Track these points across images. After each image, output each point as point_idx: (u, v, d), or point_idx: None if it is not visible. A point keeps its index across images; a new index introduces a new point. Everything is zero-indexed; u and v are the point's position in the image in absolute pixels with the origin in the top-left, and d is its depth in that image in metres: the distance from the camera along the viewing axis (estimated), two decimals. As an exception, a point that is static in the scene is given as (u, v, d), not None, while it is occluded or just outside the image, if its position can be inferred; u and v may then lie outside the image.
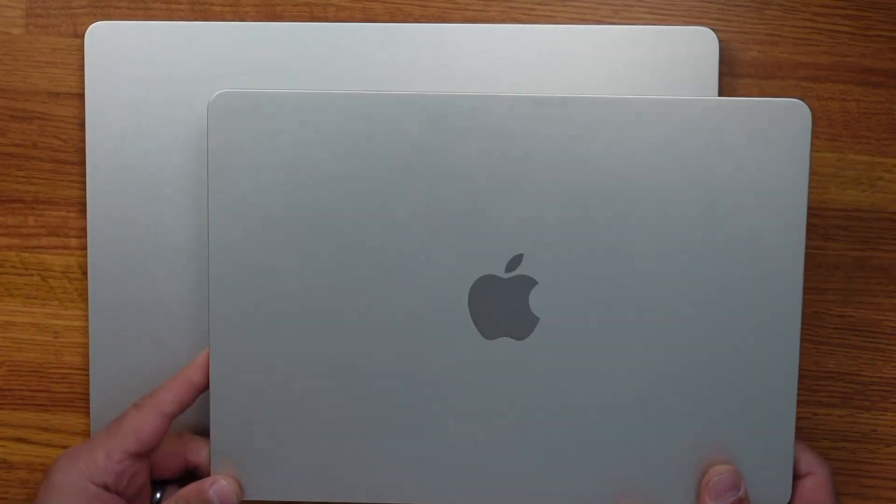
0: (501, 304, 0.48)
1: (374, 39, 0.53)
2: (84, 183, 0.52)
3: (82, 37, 0.52)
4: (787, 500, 0.49)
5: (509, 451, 0.49)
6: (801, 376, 0.55)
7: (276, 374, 0.49)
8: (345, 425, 0.49)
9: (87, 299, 0.53)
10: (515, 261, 0.48)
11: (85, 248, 0.53)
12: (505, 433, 0.49)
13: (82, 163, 0.53)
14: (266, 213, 0.48)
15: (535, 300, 0.48)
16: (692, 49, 0.52)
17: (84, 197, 0.53)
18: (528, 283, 0.48)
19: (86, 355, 0.54)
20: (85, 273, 0.54)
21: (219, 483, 0.48)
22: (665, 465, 0.49)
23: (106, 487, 0.47)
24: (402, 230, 0.48)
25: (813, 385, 0.55)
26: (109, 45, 0.52)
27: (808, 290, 0.55)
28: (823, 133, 0.55)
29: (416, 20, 0.54)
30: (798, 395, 0.54)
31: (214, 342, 0.48)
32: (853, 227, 0.54)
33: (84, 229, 0.53)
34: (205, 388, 0.49)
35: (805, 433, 0.54)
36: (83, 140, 0.52)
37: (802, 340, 0.55)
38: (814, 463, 0.49)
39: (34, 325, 0.54)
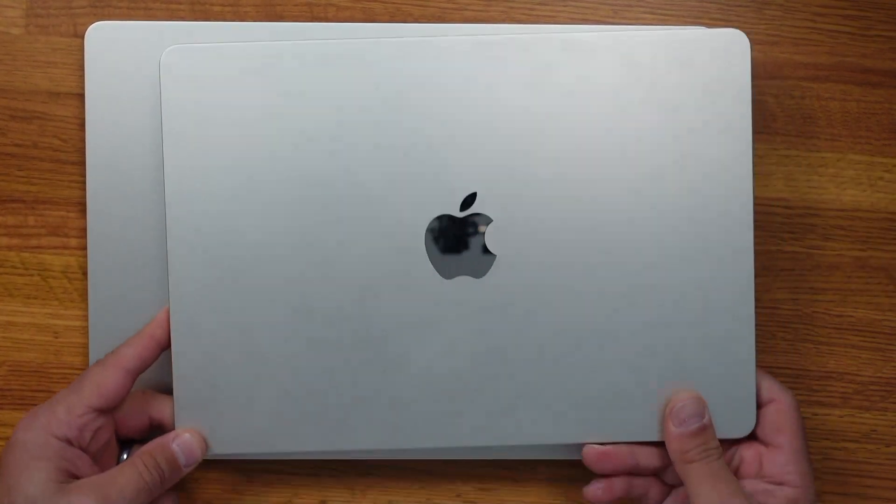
0: (458, 244, 0.49)
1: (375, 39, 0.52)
2: (84, 183, 0.52)
3: (82, 37, 0.52)
4: (752, 428, 0.50)
5: (472, 391, 0.49)
6: (801, 376, 0.55)
7: (237, 325, 0.49)
8: (307, 373, 0.49)
9: (87, 299, 0.53)
10: (469, 199, 0.49)
11: (85, 248, 0.53)
12: (467, 372, 0.49)
13: (82, 163, 0.53)
14: (222, 164, 0.48)
15: (492, 238, 0.49)
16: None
17: (84, 197, 0.53)
18: (484, 221, 0.49)
19: (86, 355, 0.54)
20: (85, 273, 0.53)
21: (182, 437, 0.48)
22: (628, 397, 0.49)
23: (69, 442, 0.46)
24: (357, 174, 0.49)
25: (813, 385, 0.55)
26: (109, 45, 0.52)
27: (808, 290, 0.55)
28: (823, 133, 0.55)
29: (416, 20, 0.54)
30: (798, 394, 0.54)
31: (174, 296, 0.49)
32: (853, 226, 0.54)
33: (84, 229, 0.53)
34: (167, 344, 0.49)
35: (806, 433, 0.53)
36: (83, 140, 0.52)
37: (802, 340, 0.55)
38: (776, 390, 0.49)
39: (34, 325, 0.54)
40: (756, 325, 0.54)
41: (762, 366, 0.52)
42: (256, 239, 0.49)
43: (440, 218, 0.49)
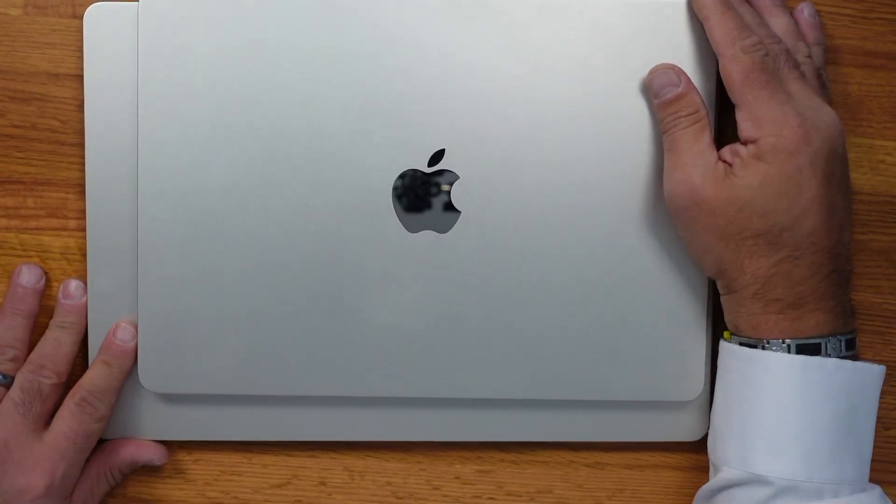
0: (424, 198, 0.50)
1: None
2: (83, 164, 0.52)
3: (81, 18, 0.52)
4: (700, 391, 0.51)
5: (430, 343, 0.51)
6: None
7: (203, 271, 0.50)
8: (270, 320, 0.50)
9: (86, 281, 0.53)
10: (438, 155, 0.50)
11: (84, 230, 0.53)
12: (426, 325, 0.50)
13: (81, 144, 0.53)
14: (194, 112, 0.50)
15: (458, 194, 0.50)
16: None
17: (83, 178, 0.53)
18: (451, 177, 0.50)
19: (85, 342, 0.54)
20: (84, 255, 0.53)
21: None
22: (581, 357, 0.51)
23: None
24: (327, 126, 0.50)
25: (812, 368, 0.55)
26: (108, 26, 0.51)
27: (808, 273, 0.54)
28: (824, 116, 0.54)
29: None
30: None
31: (142, 242, 0.50)
32: (854, 209, 0.54)
33: (83, 211, 0.53)
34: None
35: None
36: (82, 121, 0.52)
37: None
38: None
39: (33, 307, 0.54)
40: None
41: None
42: (225, 187, 0.50)
43: (408, 172, 0.50)
